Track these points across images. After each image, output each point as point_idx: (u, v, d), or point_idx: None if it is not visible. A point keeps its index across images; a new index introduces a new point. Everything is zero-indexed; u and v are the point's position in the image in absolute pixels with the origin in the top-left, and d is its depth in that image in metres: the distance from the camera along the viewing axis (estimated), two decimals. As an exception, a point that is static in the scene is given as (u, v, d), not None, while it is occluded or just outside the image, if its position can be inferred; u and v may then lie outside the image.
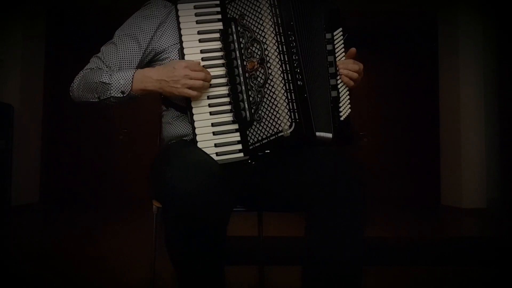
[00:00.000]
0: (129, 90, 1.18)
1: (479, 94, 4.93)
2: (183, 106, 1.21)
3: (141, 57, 1.28)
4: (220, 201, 0.98)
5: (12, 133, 4.59)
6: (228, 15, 1.18)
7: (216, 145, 1.12)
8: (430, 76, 5.92)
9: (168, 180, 0.98)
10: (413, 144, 6.30)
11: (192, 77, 1.11)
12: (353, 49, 1.26)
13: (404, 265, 2.43)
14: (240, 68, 1.15)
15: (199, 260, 1.01)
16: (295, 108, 1.10)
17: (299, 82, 1.12)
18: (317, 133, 1.15)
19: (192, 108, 1.15)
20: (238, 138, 1.14)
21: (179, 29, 1.17)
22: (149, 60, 1.32)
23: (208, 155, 1.10)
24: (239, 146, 1.14)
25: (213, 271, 1.05)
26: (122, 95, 1.18)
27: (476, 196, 4.83)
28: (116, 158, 6.17)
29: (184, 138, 1.27)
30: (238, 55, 1.15)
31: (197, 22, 1.17)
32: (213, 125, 1.14)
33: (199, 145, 1.12)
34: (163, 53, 1.28)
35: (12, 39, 4.75)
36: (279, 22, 1.13)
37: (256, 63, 1.13)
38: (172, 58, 1.26)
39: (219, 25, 1.18)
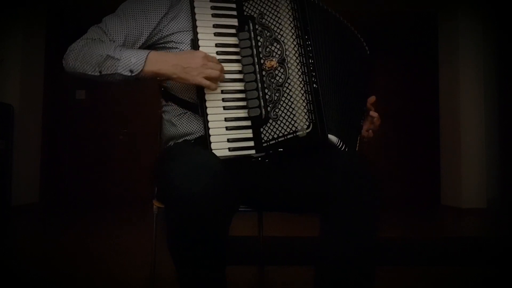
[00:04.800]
0: (139, 70, 1.10)
1: (479, 94, 4.93)
2: (188, 101, 1.19)
3: (148, 35, 1.21)
4: (223, 202, 0.97)
5: (12, 133, 4.59)
6: (245, 13, 1.19)
7: (228, 140, 1.13)
8: (430, 76, 5.91)
9: (171, 180, 0.97)
10: (413, 144, 6.29)
11: (209, 67, 1.09)
12: (373, 97, 1.40)
13: (404, 265, 2.43)
14: (257, 66, 1.16)
15: (201, 260, 1.01)
16: (312, 109, 1.12)
17: (314, 85, 1.14)
18: (329, 135, 1.16)
19: (205, 101, 1.14)
20: (251, 135, 1.14)
21: (194, 20, 1.15)
22: (152, 43, 1.25)
23: (212, 155, 1.08)
24: (252, 143, 1.14)
25: (214, 272, 1.05)
26: (130, 74, 1.11)
27: (476, 196, 4.83)
28: (116, 158, 6.17)
29: (187, 138, 1.25)
30: (255, 52, 1.16)
31: (213, 15, 1.18)
32: (226, 120, 1.14)
33: (212, 139, 1.11)
34: (171, 37, 1.22)
35: (12, 39, 4.74)
36: (298, 25, 1.15)
37: (275, 62, 1.14)
38: (183, 48, 1.21)
39: (235, 22, 1.19)
